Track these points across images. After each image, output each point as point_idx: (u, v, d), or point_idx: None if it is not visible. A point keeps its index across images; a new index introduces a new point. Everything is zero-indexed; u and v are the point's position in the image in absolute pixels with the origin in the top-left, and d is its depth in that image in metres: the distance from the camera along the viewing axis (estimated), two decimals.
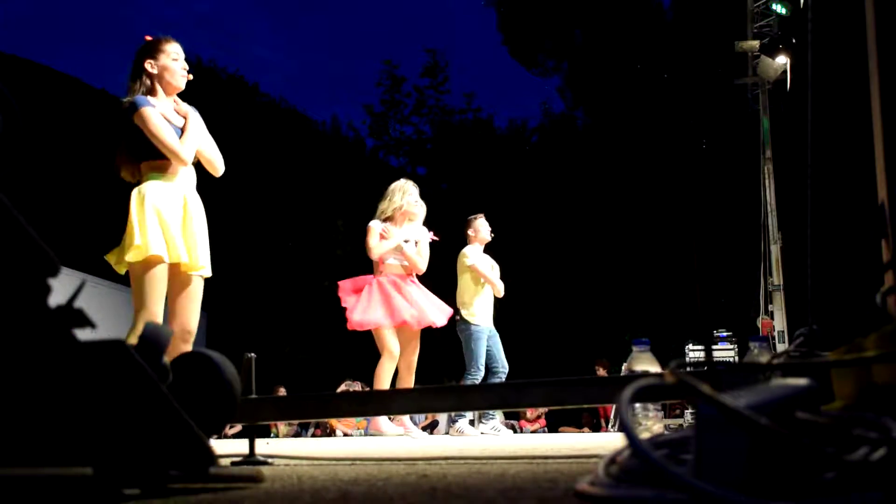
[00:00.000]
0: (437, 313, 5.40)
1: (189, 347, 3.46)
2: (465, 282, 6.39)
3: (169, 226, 3.35)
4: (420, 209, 5.55)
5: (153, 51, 3.52)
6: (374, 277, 5.41)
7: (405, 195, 5.50)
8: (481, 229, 6.55)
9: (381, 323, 5.17)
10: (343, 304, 5.34)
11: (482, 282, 6.39)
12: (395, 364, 5.22)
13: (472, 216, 6.67)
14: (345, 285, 5.44)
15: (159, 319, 3.32)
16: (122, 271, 3.41)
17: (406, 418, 5.39)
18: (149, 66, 3.50)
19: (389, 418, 5.27)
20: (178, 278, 3.45)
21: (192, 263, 3.41)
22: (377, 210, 5.53)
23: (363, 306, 5.25)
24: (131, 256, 3.28)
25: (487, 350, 6.33)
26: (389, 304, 5.23)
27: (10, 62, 20.53)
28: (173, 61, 3.53)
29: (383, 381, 5.14)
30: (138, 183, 3.45)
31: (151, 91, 3.50)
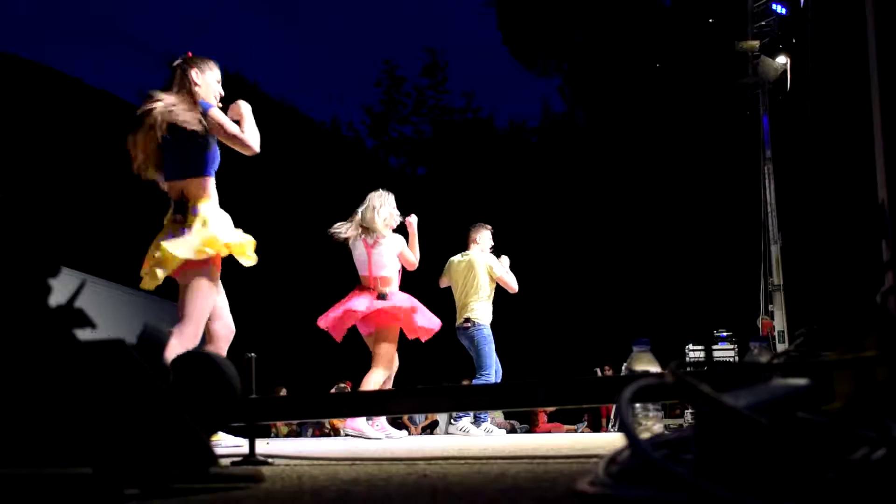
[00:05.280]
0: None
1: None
2: (478, 284, 6.42)
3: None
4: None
5: (202, 66, 3.54)
6: (386, 293, 5.34)
7: (391, 204, 5.45)
8: (486, 240, 6.61)
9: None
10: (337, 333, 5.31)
11: (491, 286, 6.44)
12: (387, 378, 5.23)
13: (481, 224, 6.69)
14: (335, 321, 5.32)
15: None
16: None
17: (384, 419, 5.35)
18: (195, 74, 3.50)
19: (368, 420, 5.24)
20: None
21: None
22: (378, 222, 5.36)
23: (423, 314, 5.30)
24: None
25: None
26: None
27: (10, 62, 20.53)
28: (217, 83, 3.58)
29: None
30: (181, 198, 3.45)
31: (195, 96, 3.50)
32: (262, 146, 3.53)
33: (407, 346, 5.47)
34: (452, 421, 6.53)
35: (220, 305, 3.53)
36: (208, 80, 3.53)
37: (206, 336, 3.52)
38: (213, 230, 3.32)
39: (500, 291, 6.64)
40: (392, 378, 5.35)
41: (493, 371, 6.21)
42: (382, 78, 24.17)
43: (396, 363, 5.34)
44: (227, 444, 3.33)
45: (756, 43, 10.64)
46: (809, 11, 8.98)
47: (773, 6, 10.39)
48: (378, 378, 5.13)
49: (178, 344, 3.14)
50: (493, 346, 6.28)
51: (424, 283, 5.79)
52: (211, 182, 3.46)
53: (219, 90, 3.58)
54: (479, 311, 6.35)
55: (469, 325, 6.30)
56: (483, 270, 6.44)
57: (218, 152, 3.48)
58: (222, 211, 3.48)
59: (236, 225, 3.61)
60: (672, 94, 18.62)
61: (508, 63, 24.87)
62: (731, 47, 11.07)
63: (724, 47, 11.72)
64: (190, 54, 3.61)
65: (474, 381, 6.16)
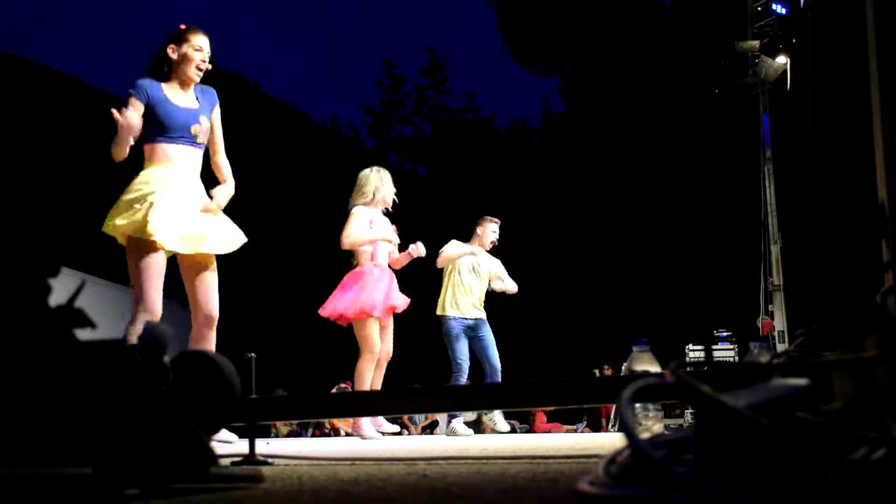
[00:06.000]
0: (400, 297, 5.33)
1: (213, 334, 3.50)
2: (443, 276, 6.40)
3: (173, 214, 3.39)
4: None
5: (179, 38, 3.61)
6: (364, 265, 5.28)
7: (384, 182, 5.35)
8: (489, 235, 6.53)
9: (375, 310, 5.07)
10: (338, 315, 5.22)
11: (452, 275, 6.34)
12: (375, 362, 5.16)
13: (488, 217, 6.62)
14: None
15: (159, 308, 3.34)
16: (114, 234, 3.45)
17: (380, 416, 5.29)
18: (170, 50, 3.59)
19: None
20: (191, 264, 3.49)
21: (201, 250, 3.45)
22: (356, 197, 5.32)
23: (357, 294, 5.10)
24: (131, 230, 3.32)
25: (474, 351, 6.29)
26: (385, 294, 5.17)
27: (10, 62, 20.53)
28: (195, 51, 3.57)
29: (366, 381, 5.05)
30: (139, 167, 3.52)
31: (167, 76, 3.57)
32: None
33: (408, 346, 5.45)
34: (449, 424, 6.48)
35: (199, 294, 3.51)
36: (185, 52, 3.59)
37: (192, 331, 3.53)
38: (119, 210, 3.38)
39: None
40: (389, 354, 5.25)
41: (460, 369, 6.13)
42: (382, 78, 24.20)
43: (382, 346, 5.17)
44: (219, 438, 3.33)
45: (756, 43, 10.65)
46: (809, 11, 8.98)
47: (773, 6, 10.39)
48: (364, 369, 5.08)
49: (138, 320, 3.24)
50: (457, 339, 6.18)
51: (422, 283, 5.79)
52: (155, 148, 3.48)
53: (198, 59, 3.60)
54: (442, 302, 6.31)
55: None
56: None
57: (163, 121, 3.48)
58: (161, 179, 3.43)
59: (239, 226, 3.61)
60: (672, 94, 18.62)
61: (508, 63, 24.91)
62: (731, 47, 11.07)
63: (724, 47, 11.73)
64: (182, 27, 3.68)
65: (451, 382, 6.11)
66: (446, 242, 6.47)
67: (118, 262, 3.55)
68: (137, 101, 3.46)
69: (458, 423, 6.16)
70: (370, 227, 5.25)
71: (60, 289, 1.16)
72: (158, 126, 3.48)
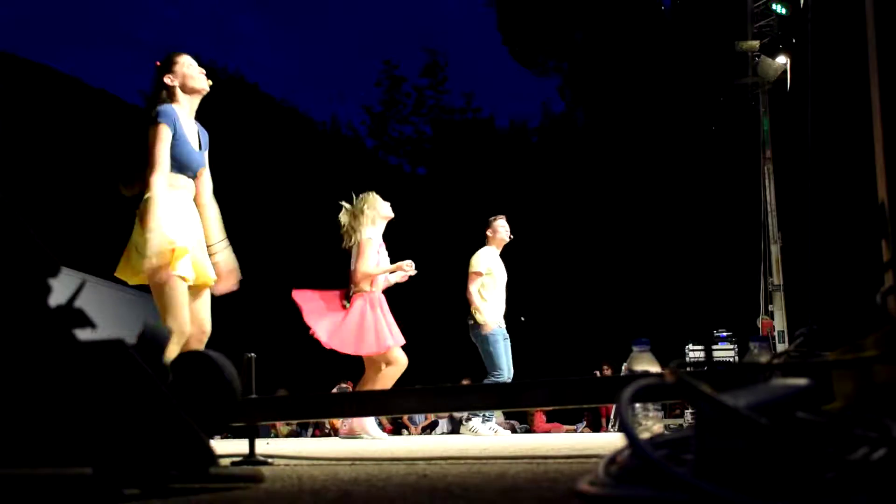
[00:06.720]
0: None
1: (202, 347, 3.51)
2: (474, 284, 6.34)
3: (188, 243, 3.42)
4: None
5: (168, 66, 3.59)
6: (367, 294, 5.36)
7: (376, 200, 5.50)
8: (500, 231, 6.50)
9: (395, 343, 5.23)
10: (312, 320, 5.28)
11: (490, 285, 6.31)
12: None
13: (493, 217, 6.59)
14: (312, 303, 5.33)
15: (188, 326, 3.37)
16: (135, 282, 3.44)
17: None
18: (168, 80, 3.57)
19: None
20: (192, 285, 3.50)
21: (206, 278, 3.50)
22: (358, 221, 5.44)
23: (380, 329, 5.22)
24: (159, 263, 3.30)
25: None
26: (388, 325, 5.27)
27: (10, 62, 20.53)
28: (189, 68, 3.61)
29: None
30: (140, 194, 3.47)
31: (174, 100, 3.56)
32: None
33: (409, 346, 5.46)
34: (463, 421, 6.45)
35: (196, 312, 3.51)
36: (183, 72, 3.59)
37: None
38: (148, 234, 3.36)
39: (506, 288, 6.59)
40: (394, 377, 5.33)
41: (504, 371, 6.09)
42: (382, 78, 24.20)
43: (401, 360, 5.29)
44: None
45: (756, 43, 10.65)
46: (809, 11, 8.99)
47: (773, 6, 10.39)
48: (386, 380, 5.18)
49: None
50: (498, 344, 6.13)
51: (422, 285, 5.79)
52: (169, 177, 3.47)
53: (197, 72, 3.62)
54: (483, 310, 6.22)
55: (472, 322, 6.26)
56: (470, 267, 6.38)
57: (182, 161, 3.48)
58: (177, 204, 3.45)
59: (237, 224, 3.62)
60: (672, 94, 18.62)
61: (508, 63, 24.91)
62: (731, 47, 11.07)
63: (724, 47, 11.73)
64: (158, 63, 3.66)
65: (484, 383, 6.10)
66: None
67: (118, 262, 3.53)
68: (168, 131, 3.43)
69: (477, 422, 6.13)
70: (378, 254, 5.40)
71: (60, 289, 1.16)
72: (176, 163, 3.49)
